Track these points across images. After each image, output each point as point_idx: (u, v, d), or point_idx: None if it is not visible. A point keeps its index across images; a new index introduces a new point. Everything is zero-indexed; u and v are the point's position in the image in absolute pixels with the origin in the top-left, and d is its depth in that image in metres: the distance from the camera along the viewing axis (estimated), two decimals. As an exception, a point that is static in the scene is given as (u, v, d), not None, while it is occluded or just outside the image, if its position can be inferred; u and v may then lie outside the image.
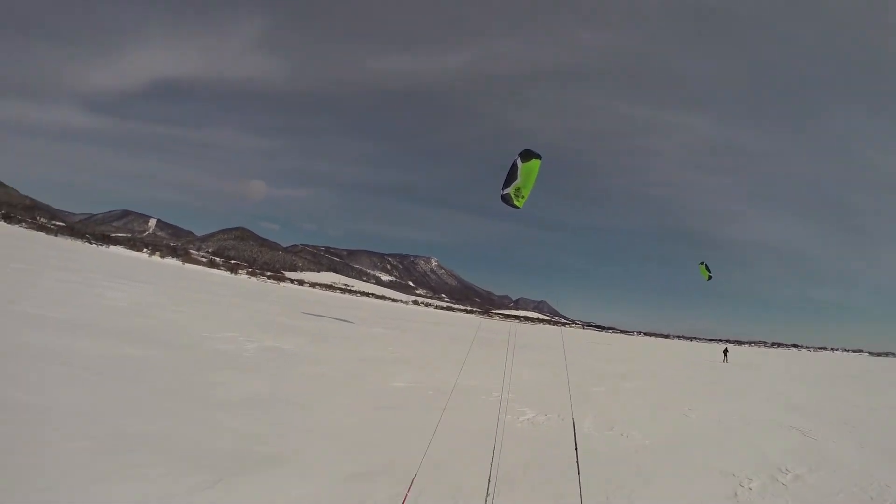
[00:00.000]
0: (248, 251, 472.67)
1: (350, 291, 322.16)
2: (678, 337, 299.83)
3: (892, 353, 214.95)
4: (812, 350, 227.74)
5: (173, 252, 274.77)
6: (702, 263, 18.17)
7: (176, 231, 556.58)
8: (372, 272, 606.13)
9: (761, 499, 7.38)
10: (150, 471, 5.59)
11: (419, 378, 15.34)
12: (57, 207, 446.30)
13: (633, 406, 15.07)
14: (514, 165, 7.47)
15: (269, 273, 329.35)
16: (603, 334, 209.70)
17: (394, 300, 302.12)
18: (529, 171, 7.38)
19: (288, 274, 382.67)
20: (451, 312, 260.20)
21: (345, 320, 40.00)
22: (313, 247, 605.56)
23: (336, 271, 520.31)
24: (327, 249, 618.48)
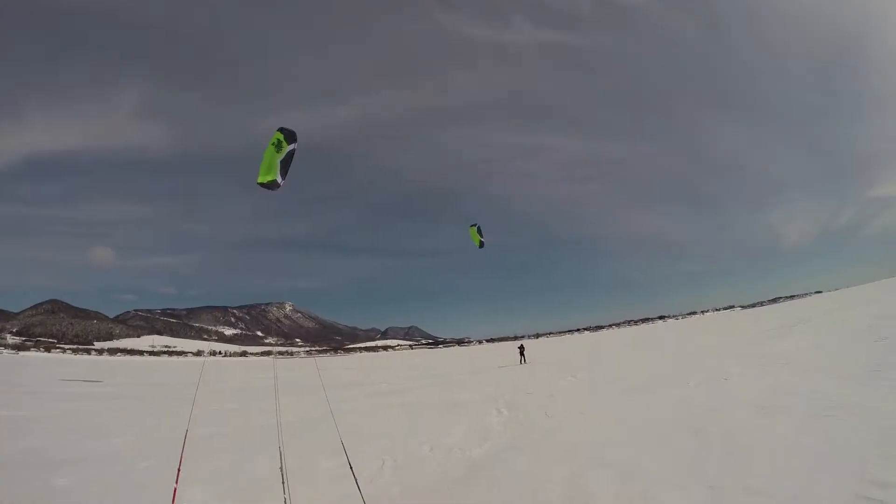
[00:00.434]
0: (58, 325, 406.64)
1: (168, 353, 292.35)
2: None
3: (761, 303, 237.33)
4: (680, 318, 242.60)
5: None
6: (473, 226, 15.87)
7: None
8: (214, 328, 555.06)
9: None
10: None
11: None
12: None
13: None
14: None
15: (68, 347, 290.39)
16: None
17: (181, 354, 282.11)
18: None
19: (98, 343, 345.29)
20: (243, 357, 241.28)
21: None
22: (147, 311, 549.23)
23: (170, 333, 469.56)
24: (163, 312, 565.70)
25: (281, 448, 6.52)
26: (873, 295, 41.95)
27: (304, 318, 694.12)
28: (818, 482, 5.62)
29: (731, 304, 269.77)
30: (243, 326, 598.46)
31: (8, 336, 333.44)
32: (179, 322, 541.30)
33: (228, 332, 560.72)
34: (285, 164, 6.54)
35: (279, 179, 6.44)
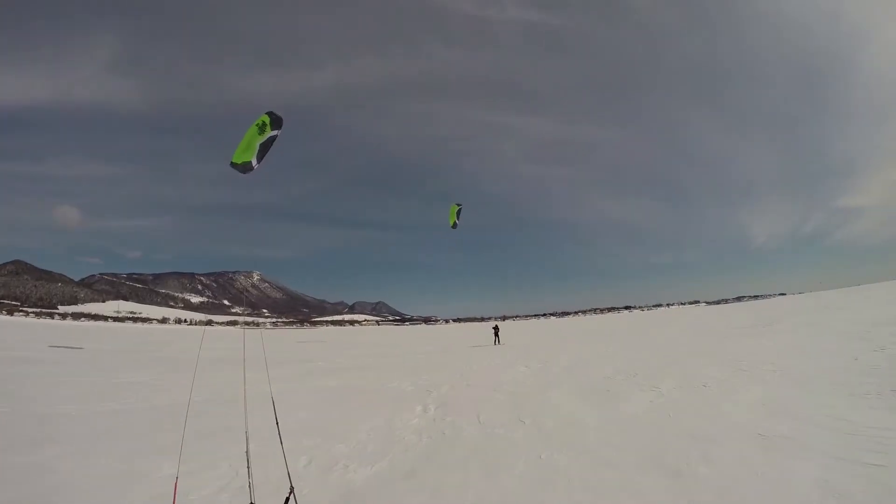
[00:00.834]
0: (22, 287, 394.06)
1: (132, 319, 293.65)
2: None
3: (726, 300, 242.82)
4: (645, 309, 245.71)
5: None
6: (458, 205, 14.97)
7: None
8: (180, 295, 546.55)
9: None
10: None
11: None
12: None
13: None
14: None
15: (31, 310, 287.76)
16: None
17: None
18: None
19: (62, 308, 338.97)
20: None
21: None
22: (113, 275, 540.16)
23: (136, 298, 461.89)
24: (129, 276, 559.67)
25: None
26: (843, 301, 41.39)
27: (272, 288, 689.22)
28: None
29: (697, 300, 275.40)
30: (210, 294, 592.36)
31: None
32: (145, 288, 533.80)
33: (195, 299, 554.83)
34: (264, 149, 6.06)
35: (254, 162, 6.00)
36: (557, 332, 52.38)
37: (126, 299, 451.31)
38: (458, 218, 15.19)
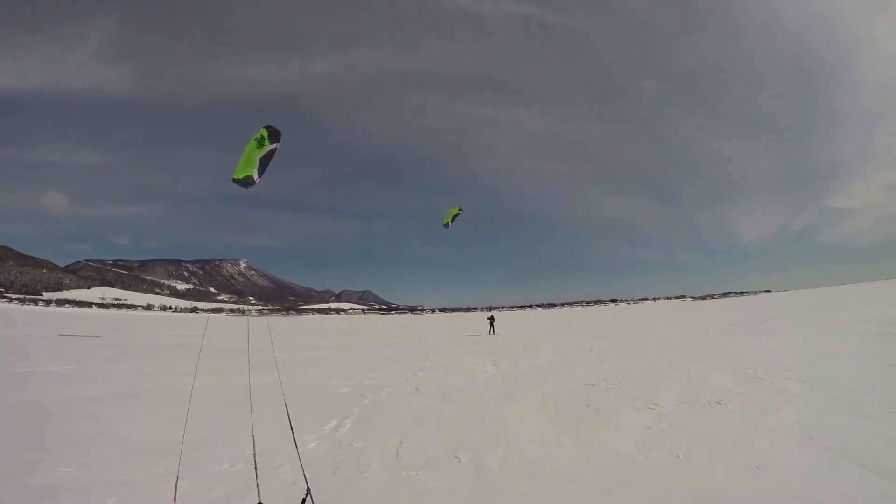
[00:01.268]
0: (6, 273, 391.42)
1: (117, 306, 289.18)
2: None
3: (712, 296, 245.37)
4: (632, 303, 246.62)
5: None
6: (459, 209, 15.26)
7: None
8: (167, 282, 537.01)
9: None
10: None
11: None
12: None
13: None
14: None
15: (15, 297, 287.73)
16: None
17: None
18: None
19: (46, 294, 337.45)
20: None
21: None
22: (99, 262, 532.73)
23: (121, 285, 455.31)
24: (115, 263, 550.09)
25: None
26: (839, 299, 40.03)
27: (259, 276, 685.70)
28: None
29: (683, 294, 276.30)
30: (196, 282, 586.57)
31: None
32: (131, 274, 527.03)
33: (181, 286, 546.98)
34: (264, 162, 5.90)
35: (255, 177, 5.83)
36: (541, 324, 49.62)
37: (111, 286, 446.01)
38: (452, 220, 15.23)
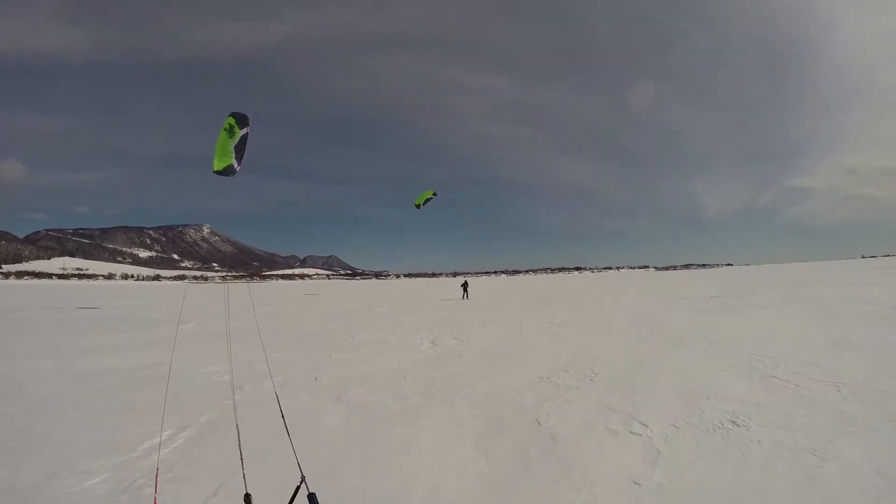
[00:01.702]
0: None
1: (78, 276, 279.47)
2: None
3: (675, 267, 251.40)
4: (596, 271, 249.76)
5: None
6: (434, 193, 14.82)
7: None
8: (129, 250, 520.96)
9: None
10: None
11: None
12: None
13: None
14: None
15: None
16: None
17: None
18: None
19: (5, 266, 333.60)
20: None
21: None
22: (59, 231, 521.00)
23: (83, 255, 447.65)
24: (76, 232, 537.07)
25: None
26: (818, 276, 40.54)
27: (223, 241, 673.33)
28: None
29: (646, 265, 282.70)
30: (159, 249, 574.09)
31: None
32: (92, 243, 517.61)
33: (143, 254, 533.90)
34: (240, 149, 5.58)
35: (235, 164, 5.51)
36: (502, 291, 46.82)
37: (73, 255, 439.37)
38: (424, 203, 14.87)
